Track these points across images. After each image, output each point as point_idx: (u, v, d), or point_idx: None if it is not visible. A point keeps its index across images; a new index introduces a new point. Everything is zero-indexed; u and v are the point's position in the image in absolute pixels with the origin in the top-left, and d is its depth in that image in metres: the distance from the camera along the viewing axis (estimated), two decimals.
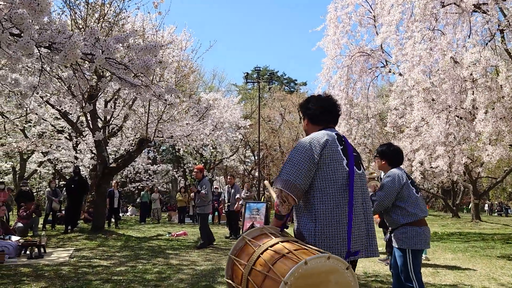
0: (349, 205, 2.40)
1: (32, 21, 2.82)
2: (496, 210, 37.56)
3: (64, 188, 13.94)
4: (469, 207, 26.95)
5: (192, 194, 10.45)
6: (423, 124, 10.17)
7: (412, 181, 3.81)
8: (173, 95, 4.54)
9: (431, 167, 10.41)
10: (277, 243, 2.25)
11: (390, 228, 3.86)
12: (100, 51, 2.85)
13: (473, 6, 8.63)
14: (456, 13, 9.74)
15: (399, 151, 4.04)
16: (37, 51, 3.51)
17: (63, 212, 14.19)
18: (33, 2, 2.52)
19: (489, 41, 9.75)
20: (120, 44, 3.02)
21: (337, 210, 2.38)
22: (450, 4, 9.68)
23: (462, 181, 21.59)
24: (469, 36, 9.48)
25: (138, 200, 22.98)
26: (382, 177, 6.60)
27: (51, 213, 13.93)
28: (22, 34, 2.94)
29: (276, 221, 2.54)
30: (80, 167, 18.01)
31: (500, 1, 8.68)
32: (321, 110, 2.70)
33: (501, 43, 9.43)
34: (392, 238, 3.78)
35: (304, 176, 2.37)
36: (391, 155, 3.98)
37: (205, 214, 9.54)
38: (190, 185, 21.35)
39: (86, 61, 3.30)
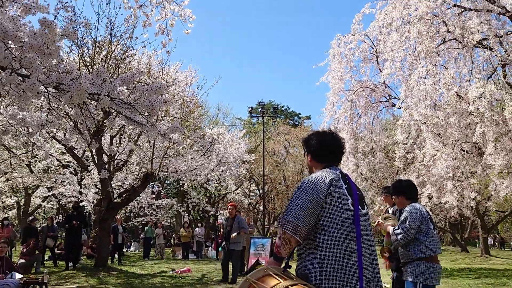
0: (358, 245, 2.34)
1: (41, 63, 2.87)
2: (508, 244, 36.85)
3: (64, 223, 13.73)
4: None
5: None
6: (429, 158, 10.12)
7: (430, 217, 3.85)
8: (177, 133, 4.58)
9: (440, 202, 10.29)
10: (287, 287, 2.18)
11: (402, 260, 3.85)
12: (106, 92, 2.89)
13: (474, 42, 8.76)
14: (457, 48, 9.89)
15: (413, 184, 4.13)
16: (45, 90, 3.56)
17: (59, 248, 14.01)
18: (42, 45, 2.58)
19: (491, 75, 9.84)
20: (125, 86, 3.06)
21: (344, 251, 2.32)
22: (451, 40, 9.84)
23: (471, 215, 21.28)
24: (471, 71, 9.58)
25: (142, 235, 22.72)
26: (390, 212, 6.53)
27: (46, 249, 13.72)
28: (30, 75, 2.98)
29: (274, 262, 2.46)
30: (83, 202, 17.96)
31: (504, 36, 8.83)
32: (324, 147, 2.67)
33: (503, 77, 9.52)
34: (404, 272, 3.78)
35: (308, 217, 2.32)
36: (406, 189, 4.04)
37: (239, 251, 9.70)
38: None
39: (92, 101, 3.34)
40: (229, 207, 10.13)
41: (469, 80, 9.50)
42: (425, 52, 9.02)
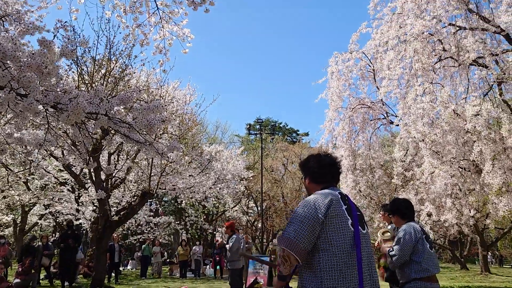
0: (358, 266, 2.35)
1: (39, 82, 2.89)
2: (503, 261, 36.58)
3: (59, 242, 13.54)
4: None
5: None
6: (427, 176, 10.11)
7: (426, 236, 3.81)
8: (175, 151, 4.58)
9: (439, 220, 10.25)
10: None
11: (400, 281, 3.80)
12: (104, 111, 2.91)
13: (470, 60, 8.85)
14: (453, 66, 9.99)
15: (407, 203, 4.06)
16: (44, 109, 3.57)
17: (55, 267, 13.83)
18: (41, 65, 2.60)
19: (487, 93, 9.91)
20: (123, 106, 3.08)
21: (345, 271, 2.32)
22: (447, 58, 9.94)
23: (469, 232, 21.17)
24: (467, 89, 9.66)
25: (139, 253, 22.49)
26: (389, 229, 6.52)
27: (42, 268, 13.55)
28: (28, 95, 3.00)
29: (279, 282, 2.48)
30: (80, 220, 17.83)
31: (500, 54, 8.93)
32: (322, 169, 2.71)
33: (499, 95, 9.59)
34: None
35: (307, 236, 2.33)
36: (401, 208, 4.00)
37: (235, 270, 9.48)
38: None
39: (90, 120, 3.35)
40: (226, 226, 9.97)
41: (466, 97, 9.57)
42: (421, 70, 9.11)
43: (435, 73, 9.81)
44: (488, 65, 8.57)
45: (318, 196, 2.49)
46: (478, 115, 8.49)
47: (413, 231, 3.70)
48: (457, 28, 9.45)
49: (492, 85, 9.64)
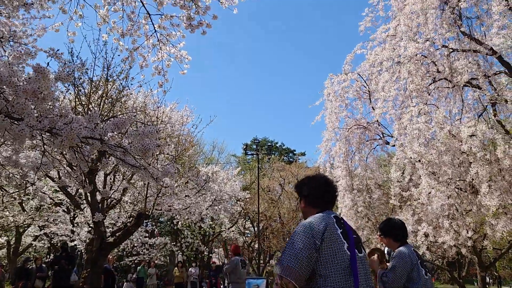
0: None
1: (35, 107, 2.89)
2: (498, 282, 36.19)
3: (53, 265, 13.31)
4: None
5: None
6: (425, 196, 10.10)
7: (421, 261, 3.70)
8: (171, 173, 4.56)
9: (436, 241, 10.18)
10: None
11: None
12: (98, 136, 2.92)
13: (463, 82, 8.94)
14: (447, 87, 10.08)
15: (401, 224, 3.93)
16: (39, 133, 3.57)
17: None
18: (37, 90, 2.61)
19: (482, 114, 9.99)
20: (117, 131, 3.09)
21: None
22: (441, 79, 10.04)
23: (468, 253, 20.96)
24: (461, 110, 9.73)
25: (134, 275, 22.17)
26: (386, 252, 6.44)
27: None
28: (22, 120, 3.00)
29: None
30: (75, 241, 17.59)
31: (492, 76, 9.04)
32: (317, 191, 2.70)
33: (493, 115, 9.65)
34: None
35: (305, 262, 2.32)
36: (393, 230, 3.89)
37: None
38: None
39: (86, 145, 3.35)
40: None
41: (460, 118, 9.64)
42: (416, 91, 9.19)
43: (429, 94, 9.90)
44: (482, 86, 8.66)
45: (313, 220, 2.48)
46: (474, 135, 8.53)
47: (408, 258, 3.59)
48: (451, 50, 9.57)
49: (486, 106, 9.71)
